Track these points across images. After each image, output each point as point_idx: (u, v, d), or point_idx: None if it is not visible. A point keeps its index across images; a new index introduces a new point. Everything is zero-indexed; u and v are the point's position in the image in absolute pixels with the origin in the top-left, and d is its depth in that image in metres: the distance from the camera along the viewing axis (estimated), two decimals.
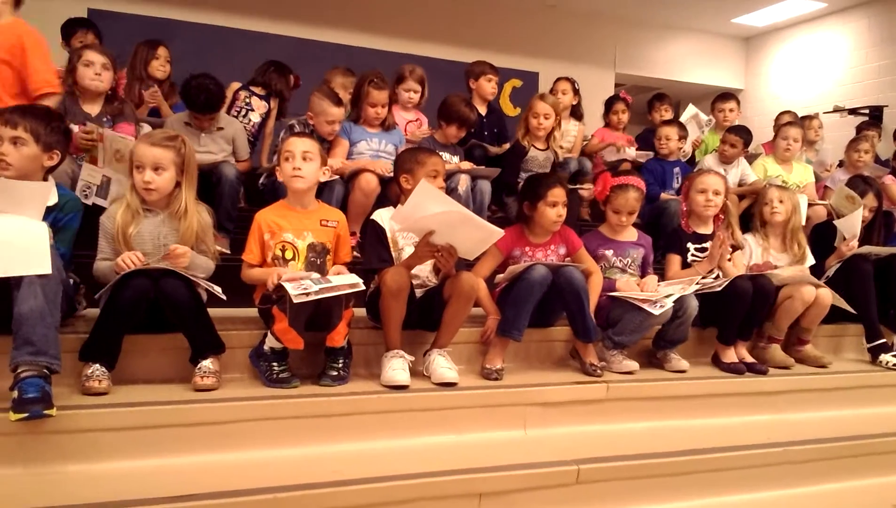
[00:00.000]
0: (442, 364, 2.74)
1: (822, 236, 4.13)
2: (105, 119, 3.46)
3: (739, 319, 3.29)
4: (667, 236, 3.81)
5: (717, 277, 3.39)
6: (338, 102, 3.83)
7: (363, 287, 2.58)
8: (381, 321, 2.78)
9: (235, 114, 4.33)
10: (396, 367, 2.66)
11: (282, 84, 4.51)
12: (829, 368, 3.50)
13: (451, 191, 3.74)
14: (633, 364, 3.10)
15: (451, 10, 7.46)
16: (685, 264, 3.51)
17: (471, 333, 3.05)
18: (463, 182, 3.89)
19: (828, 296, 3.48)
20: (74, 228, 2.60)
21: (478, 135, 4.62)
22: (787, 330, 3.52)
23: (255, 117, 4.43)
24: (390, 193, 3.66)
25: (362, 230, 3.55)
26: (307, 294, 2.43)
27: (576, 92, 5.23)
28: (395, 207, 2.98)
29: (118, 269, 2.45)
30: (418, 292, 2.89)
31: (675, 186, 4.85)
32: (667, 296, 3.04)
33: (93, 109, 3.45)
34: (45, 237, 2.24)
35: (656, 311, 2.98)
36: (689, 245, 3.55)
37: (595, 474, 2.44)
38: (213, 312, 2.58)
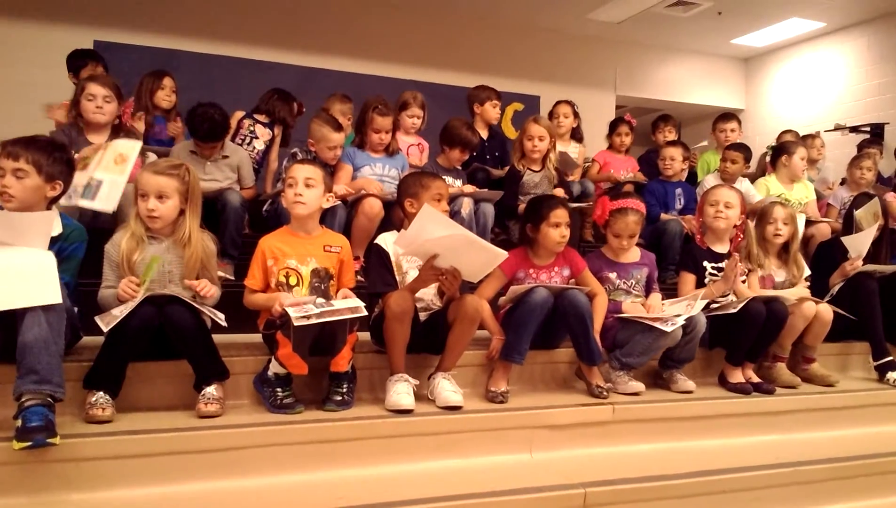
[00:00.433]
0: (447, 388, 2.73)
1: (826, 254, 4.12)
2: None
3: (751, 341, 3.27)
4: (683, 251, 3.78)
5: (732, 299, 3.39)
6: (337, 127, 3.87)
7: (365, 313, 2.58)
8: (385, 345, 2.77)
9: (240, 142, 4.36)
10: (401, 391, 2.65)
11: (285, 112, 4.56)
12: (836, 387, 3.47)
13: (454, 215, 3.75)
14: (640, 386, 3.09)
15: (452, 36, 7.53)
16: (700, 284, 3.47)
17: (475, 356, 3.05)
18: (466, 206, 3.91)
19: (828, 312, 3.47)
20: (79, 257, 2.61)
21: (480, 158, 4.66)
22: (790, 349, 3.49)
23: (260, 145, 4.47)
24: (394, 217, 3.68)
25: (366, 255, 3.57)
26: (308, 317, 2.43)
27: (576, 115, 5.27)
28: (398, 231, 3.00)
29: (120, 298, 2.46)
30: (422, 316, 2.89)
31: (678, 207, 4.86)
32: (676, 315, 3.03)
33: (99, 138, 3.48)
34: (52, 267, 2.25)
35: (668, 328, 2.97)
36: (706, 264, 3.51)
37: (602, 497, 2.42)
38: (216, 338, 2.58)
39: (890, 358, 3.67)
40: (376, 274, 2.93)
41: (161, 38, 6.40)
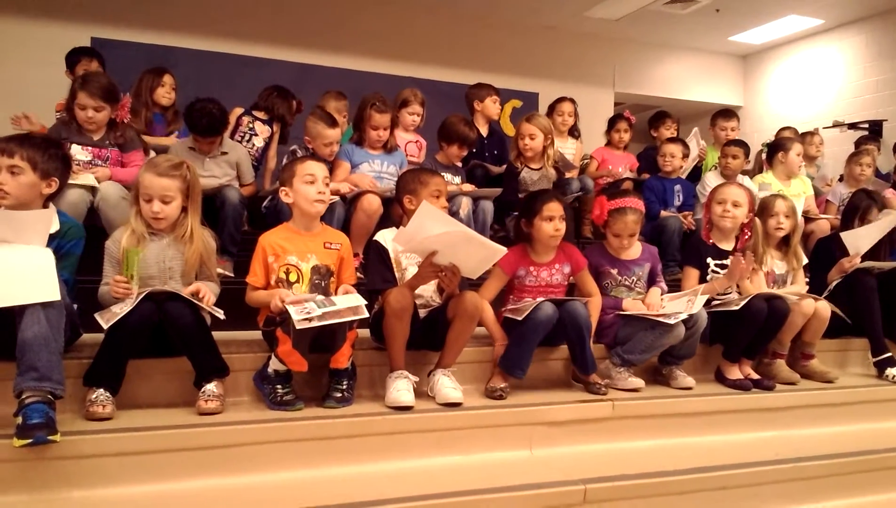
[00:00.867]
0: (446, 384, 2.73)
1: (825, 250, 4.12)
2: (108, 142, 3.49)
3: (749, 338, 3.27)
4: (688, 246, 3.76)
5: (738, 293, 3.39)
6: (332, 123, 3.87)
7: (366, 314, 2.58)
8: (384, 342, 2.77)
9: (239, 139, 4.35)
10: (401, 388, 2.65)
11: (284, 109, 4.55)
12: (835, 383, 3.47)
13: (452, 214, 3.75)
14: (639, 382, 3.09)
15: (450, 33, 7.52)
16: (703, 279, 3.47)
17: (475, 352, 3.05)
18: (465, 205, 3.91)
19: (826, 309, 3.47)
20: (77, 254, 2.61)
21: (479, 155, 4.67)
22: (789, 345, 3.50)
23: (259, 142, 4.46)
24: (393, 213, 3.68)
25: (365, 251, 3.57)
26: (309, 320, 2.43)
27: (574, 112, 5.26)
28: (397, 227, 2.99)
29: (114, 295, 2.46)
30: (422, 313, 2.89)
31: (677, 203, 4.86)
32: (678, 312, 3.04)
33: (96, 134, 3.48)
34: (51, 264, 2.25)
35: (672, 321, 2.98)
36: (710, 260, 3.50)
37: (602, 493, 2.42)
38: (216, 335, 2.58)
39: (889, 355, 3.68)
40: (375, 271, 2.93)
41: (158, 35, 6.38)
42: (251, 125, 4.44)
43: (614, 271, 3.33)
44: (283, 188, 2.84)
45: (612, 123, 5.55)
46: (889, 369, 3.62)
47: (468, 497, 2.28)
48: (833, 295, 3.76)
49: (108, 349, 2.40)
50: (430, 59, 7.31)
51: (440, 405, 2.69)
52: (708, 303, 3.27)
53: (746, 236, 3.52)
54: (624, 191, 3.54)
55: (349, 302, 2.57)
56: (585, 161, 5.43)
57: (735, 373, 3.30)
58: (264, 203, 3.92)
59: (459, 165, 4.38)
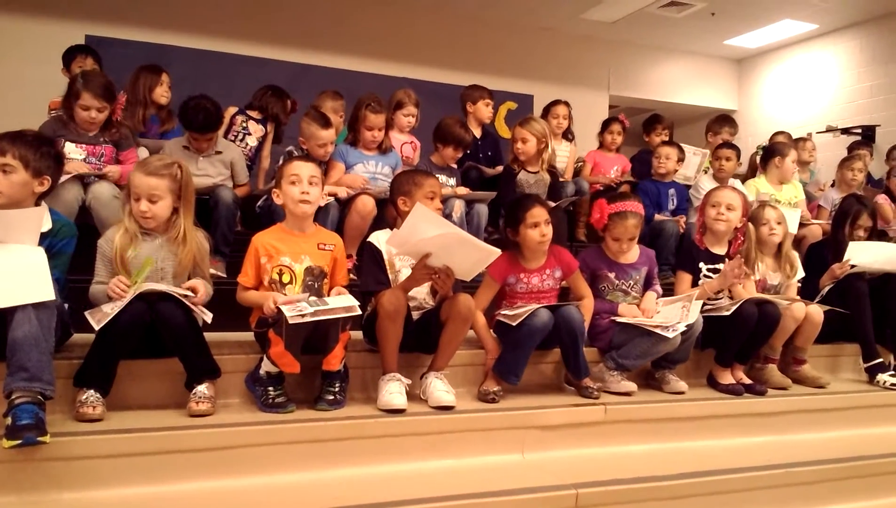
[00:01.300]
0: (439, 387, 2.73)
1: (817, 255, 4.14)
2: (102, 140, 3.47)
3: (741, 343, 3.28)
4: (681, 251, 3.76)
5: (730, 297, 3.39)
6: (325, 124, 3.86)
7: (359, 311, 2.57)
8: (377, 344, 2.77)
9: (233, 138, 4.33)
10: (393, 390, 2.65)
11: (278, 108, 4.52)
12: (826, 388, 3.48)
13: (445, 217, 3.73)
14: (632, 385, 3.09)
15: (446, 33, 7.52)
16: (696, 284, 3.46)
17: (468, 355, 3.04)
18: (458, 208, 3.91)
19: (818, 314, 3.48)
20: (69, 253, 2.60)
21: (473, 157, 4.67)
22: (781, 350, 3.51)
23: (253, 141, 4.43)
24: (387, 215, 3.67)
25: (359, 253, 3.56)
26: (302, 315, 2.42)
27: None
28: (391, 229, 2.99)
29: (110, 295, 2.45)
30: (415, 315, 2.88)
31: (671, 207, 4.87)
32: (677, 321, 3.03)
33: (91, 132, 3.46)
34: (44, 264, 2.24)
35: (670, 335, 2.98)
36: (702, 265, 3.50)
37: (594, 498, 2.42)
38: (208, 336, 2.57)
39: (880, 360, 3.69)
40: (369, 272, 2.92)
41: (153, 33, 6.35)
42: (245, 125, 4.41)
43: (612, 275, 3.32)
44: (274, 190, 2.84)
45: (605, 125, 5.56)
46: (880, 374, 3.63)
47: (460, 500, 2.27)
48: (825, 300, 3.77)
49: (98, 349, 2.39)
50: (425, 59, 7.31)
51: (433, 409, 2.68)
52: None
53: (739, 241, 3.51)
54: (624, 194, 3.52)
55: (342, 302, 2.56)
56: (579, 164, 5.43)
57: (727, 378, 3.30)
58: (258, 203, 3.90)
59: (454, 166, 4.38)
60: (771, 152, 4.92)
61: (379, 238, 2.95)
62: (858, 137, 7.07)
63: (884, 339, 3.81)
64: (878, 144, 6.88)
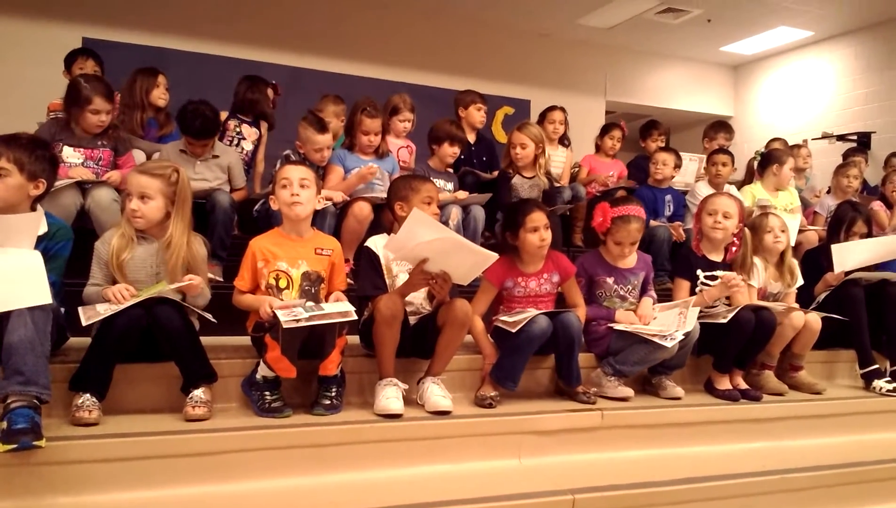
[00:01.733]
0: (436, 392, 2.72)
1: (813, 262, 4.14)
2: (100, 143, 3.47)
3: (738, 349, 3.28)
4: (679, 257, 3.75)
5: (727, 304, 3.40)
6: (322, 129, 3.85)
7: (355, 317, 2.57)
8: (374, 349, 2.76)
9: (227, 143, 4.32)
10: (390, 395, 2.64)
11: (262, 101, 4.47)
12: (823, 394, 3.49)
13: (442, 223, 3.74)
14: (629, 391, 3.10)
15: (443, 38, 7.54)
16: (693, 292, 3.45)
17: (465, 360, 3.04)
18: (454, 216, 3.92)
19: (817, 321, 3.49)
20: (65, 256, 2.59)
21: (468, 162, 4.67)
22: (778, 356, 3.51)
23: (248, 146, 4.42)
24: (384, 219, 3.67)
25: (356, 257, 3.56)
26: (297, 321, 2.42)
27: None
28: (388, 233, 2.99)
29: (106, 298, 2.44)
30: (412, 320, 2.88)
31: (667, 213, 4.88)
32: (675, 330, 3.04)
33: (88, 135, 3.46)
34: (41, 268, 2.23)
35: (668, 344, 2.98)
36: (699, 272, 3.48)
37: (590, 503, 2.42)
38: (204, 340, 2.56)
39: (876, 366, 3.69)
40: (366, 277, 2.92)
41: (150, 36, 6.36)
42: (238, 129, 4.39)
43: (610, 280, 3.31)
44: (271, 196, 2.85)
45: (605, 130, 5.56)
46: (876, 380, 3.64)
47: (457, 506, 2.27)
48: (822, 306, 3.78)
49: (95, 353, 2.38)
50: (423, 64, 7.32)
51: (429, 414, 2.68)
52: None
53: (735, 248, 3.51)
54: (627, 198, 3.50)
55: (338, 308, 2.56)
56: (575, 169, 5.44)
57: (724, 384, 3.30)
58: (256, 207, 3.90)
59: (451, 171, 4.38)
60: (769, 159, 4.92)
61: (376, 243, 2.94)
62: (854, 144, 7.10)
63: (880, 345, 3.82)
64: (873, 150, 6.92)
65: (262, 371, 2.56)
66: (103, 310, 2.37)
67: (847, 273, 3.83)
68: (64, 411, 2.35)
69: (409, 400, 2.73)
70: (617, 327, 3.18)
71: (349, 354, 2.78)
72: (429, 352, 2.84)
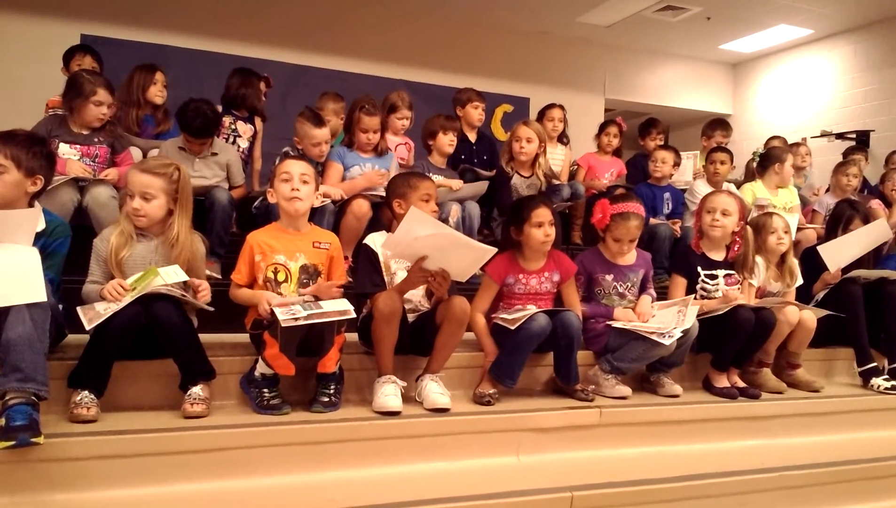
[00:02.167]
0: (434, 390, 2.73)
1: (811, 260, 4.14)
2: (97, 140, 3.47)
3: (737, 347, 3.28)
4: (676, 254, 3.76)
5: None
6: (318, 123, 3.85)
7: (353, 315, 2.57)
8: (373, 347, 2.76)
9: (223, 140, 4.31)
10: (388, 393, 2.64)
11: (252, 95, 4.44)
12: (821, 392, 3.49)
13: (442, 221, 3.74)
14: (626, 390, 3.10)
15: (442, 36, 7.54)
16: (691, 288, 3.45)
17: (463, 357, 3.04)
18: (454, 213, 3.92)
19: (812, 318, 3.49)
20: (63, 253, 2.58)
21: (468, 160, 4.67)
22: (775, 354, 3.51)
23: (244, 143, 4.40)
24: (382, 217, 3.67)
25: (354, 255, 3.55)
26: (295, 318, 2.42)
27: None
28: (387, 231, 2.99)
29: (104, 296, 2.44)
30: (410, 317, 2.88)
31: (666, 211, 4.88)
32: (674, 327, 3.04)
33: (83, 128, 3.46)
34: (38, 265, 2.22)
35: (666, 342, 2.98)
36: (700, 270, 3.47)
37: (589, 501, 2.42)
38: (203, 337, 2.56)
39: (874, 364, 3.70)
40: (365, 275, 2.92)
41: (149, 33, 6.34)
42: (233, 126, 4.37)
43: (609, 277, 3.31)
44: (269, 189, 2.85)
45: (601, 128, 5.56)
46: (874, 378, 3.64)
47: (455, 503, 2.27)
48: (820, 305, 3.77)
49: (93, 350, 2.38)
50: (422, 62, 7.32)
51: (428, 411, 2.68)
52: None
53: (736, 247, 3.51)
54: (626, 195, 3.49)
55: (336, 306, 2.56)
56: (574, 168, 5.44)
57: (722, 381, 3.30)
58: (255, 204, 3.90)
59: (448, 167, 4.38)
60: (770, 158, 4.91)
61: (375, 240, 2.94)
62: (853, 142, 7.10)
63: (878, 343, 3.82)
64: (872, 149, 6.91)
65: (261, 368, 2.56)
66: (103, 310, 2.37)
67: (845, 271, 3.83)
68: (62, 407, 2.35)
69: (407, 398, 2.73)
70: (615, 324, 3.18)
71: (348, 351, 2.78)
72: (427, 349, 2.84)
